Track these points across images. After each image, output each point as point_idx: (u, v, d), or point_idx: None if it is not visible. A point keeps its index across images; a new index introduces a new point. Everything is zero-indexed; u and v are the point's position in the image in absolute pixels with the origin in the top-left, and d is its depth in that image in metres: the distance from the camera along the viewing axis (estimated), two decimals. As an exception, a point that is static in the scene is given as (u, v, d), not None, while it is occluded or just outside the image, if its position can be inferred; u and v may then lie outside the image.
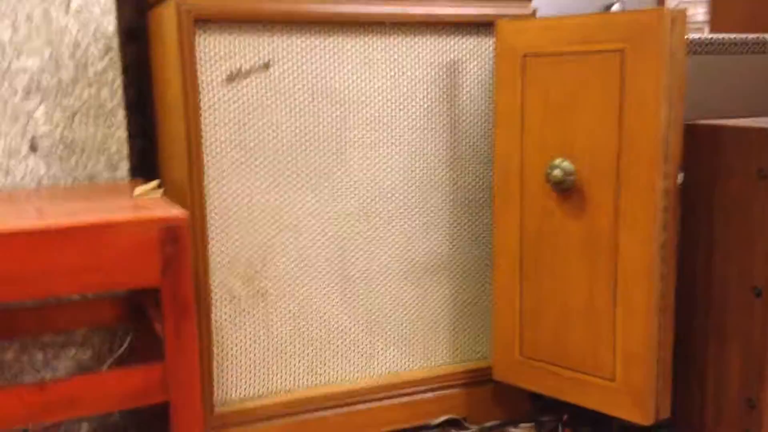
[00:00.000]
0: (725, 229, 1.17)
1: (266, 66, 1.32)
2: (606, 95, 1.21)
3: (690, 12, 2.39)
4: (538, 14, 1.42)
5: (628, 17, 1.17)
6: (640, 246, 1.20)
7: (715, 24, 1.97)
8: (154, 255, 1.02)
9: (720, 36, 1.56)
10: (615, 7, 1.77)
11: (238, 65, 1.30)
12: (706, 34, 1.56)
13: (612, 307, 1.25)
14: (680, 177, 1.20)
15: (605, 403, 1.28)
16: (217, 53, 1.28)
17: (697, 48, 1.54)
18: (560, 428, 1.49)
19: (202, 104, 1.28)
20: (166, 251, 1.02)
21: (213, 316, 1.33)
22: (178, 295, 1.04)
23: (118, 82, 1.48)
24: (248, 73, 1.31)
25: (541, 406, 1.56)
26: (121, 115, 1.48)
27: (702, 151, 1.20)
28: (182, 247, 1.03)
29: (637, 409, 1.23)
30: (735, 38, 1.56)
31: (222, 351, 1.35)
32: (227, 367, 1.36)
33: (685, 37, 1.51)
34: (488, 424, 1.51)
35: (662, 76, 1.14)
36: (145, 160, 1.69)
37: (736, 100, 1.58)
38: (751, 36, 1.57)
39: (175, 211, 1.05)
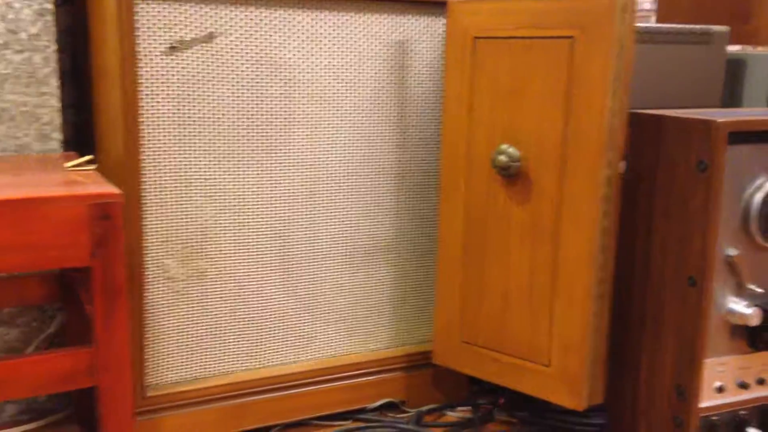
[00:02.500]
0: (664, 219, 1.18)
1: (210, 37, 1.27)
2: (554, 82, 1.20)
3: (638, 0, 2.42)
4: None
5: (579, 4, 1.16)
6: (581, 233, 1.20)
7: (662, 13, 1.99)
8: (84, 233, 0.97)
9: (666, 26, 1.57)
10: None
11: (180, 35, 1.25)
12: (651, 24, 1.57)
13: (550, 293, 1.25)
14: (622, 165, 1.21)
15: (540, 388, 1.29)
16: (159, 21, 1.23)
17: (644, 37, 1.55)
18: (495, 411, 1.50)
19: (140, 75, 1.22)
20: (96, 230, 0.97)
21: (147, 296, 1.29)
22: (108, 277, 1.00)
23: (53, 47, 1.40)
24: (191, 44, 1.26)
25: (478, 389, 1.57)
26: (54, 83, 1.41)
27: (645, 140, 1.21)
28: (114, 225, 0.99)
29: (570, 395, 1.25)
30: (681, 28, 1.58)
31: (156, 332, 1.31)
32: (161, 349, 1.32)
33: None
34: (426, 407, 1.52)
35: (610, 64, 1.14)
36: (81, 132, 1.62)
37: (682, 90, 1.60)
38: (696, 26, 1.59)
39: (108, 188, 1.01)
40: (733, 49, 1.71)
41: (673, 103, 1.58)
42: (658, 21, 2.05)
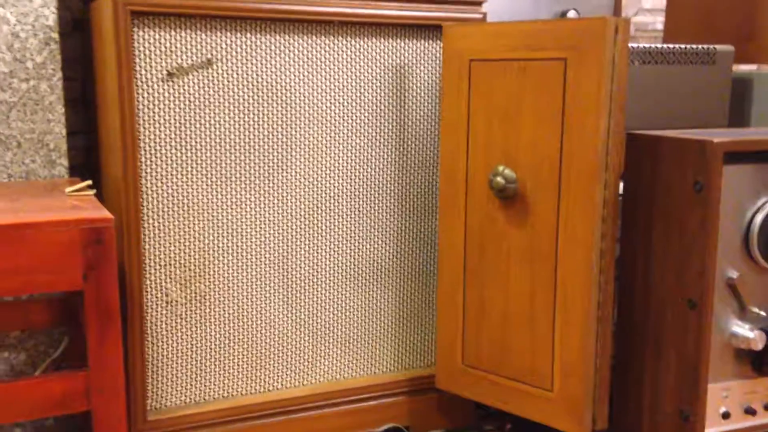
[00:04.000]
0: (663, 241, 1.16)
1: (209, 63, 1.29)
2: (548, 103, 1.20)
3: (649, 20, 2.41)
4: (492, 18, 1.41)
5: (572, 25, 1.16)
6: (579, 255, 1.19)
7: (668, 33, 1.98)
8: (76, 257, 0.98)
9: (671, 46, 1.56)
10: (570, 14, 1.76)
11: (179, 61, 1.26)
12: (656, 44, 1.56)
13: (551, 317, 1.24)
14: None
15: (543, 413, 1.27)
16: (157, 48, 1.25)
17: (648, 57, 1.54)
18: (503, 437, 1.48)
19: (140, 100, 1.24)
20: (88, 254, 0.98)
21: (148, 320, 1.29)
22: (101, 300, 1.00)
23: (58, 75, 1.43)
24: (190, 69, 1.28)
25: (484, 414, 1.54)
26: (60, 110, 1.44)
27: (643, 161, 1.19)
28: (107, 249, 1.00)
29: (573, 421, 1.22)
30: (686, 48, 1.57)
31: (157, 356, 1.31)
32: (162, 373, 1.32)
33: (636, 45, 1.51)
34: (431, 432, 1.50)
35: (603, 85, 1.13)
36: (90, 157, 1.64)
37: (688, 111, 1.58)
38: (701, 46, 1.57)
39: (101, 212, 1.02)
40: (739, 68, 1.69)
41: (678, 123, 1.56)
42: (663, 41, 2.04)
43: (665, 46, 1.55)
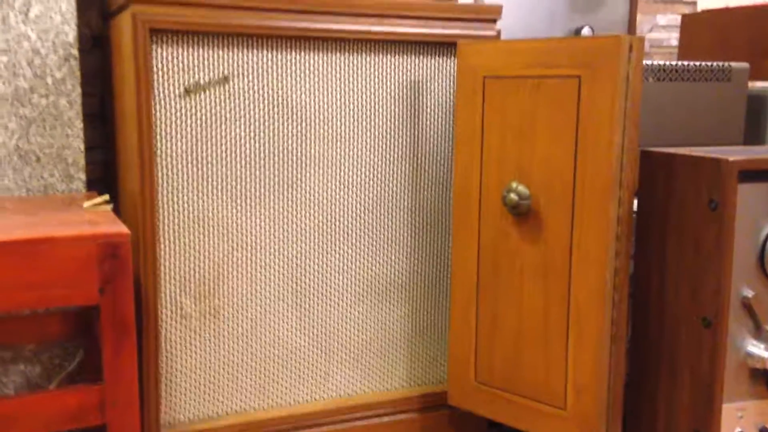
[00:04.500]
0: (677, 259, 1.16)
1: (225, 80, 1.30)
2: (562, 120, 1.20)
3: (664, 36, 2.40)
4: (507, 35, 1.42)
5: (586, 43, 1.16)
6: (592, 273, 1.18)
7: (683, 49, 1.97)
8: (92, 272, 0.99)
9: (686, 63, 1.55)
10: (584, 31, 1.77)
11: (196, 78, 1.28)
12: (671, 61, 1.56)
13: (565, 334, 1.23)
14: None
15: (556, 431, 1.26)
16: (175, 65, 1.26)
17: (663, 75, 1.54)
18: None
19: (157, 116, 1.26)
20: (104, 268, 0.99)
21: (162, 334, 1.30)
22: (117, 315, 1.01)
23: (77, 91, 1.45)
24: (207, 86, 1.29)
25: (497, 431, 1.54)
26: (78, 125, 1.46)
27: (657, 178, 1.19)
28: (122, 264, 1.01)
29: (587, 440, 1.21)
30: (701, 65, 1.56)
31: (171, 371, 1.32)
32: (176, 387, 1.33)
33: (651, 62, 1.51)
34: (443, 449, 1.49)
35: (617, 102, 1.13)
36: (107, 171, 1.66)
37: (703, 127, 1.58)
38: (716, 63, 1.57)
39: (117, 227, 1.03)
40: (755, 85, 1.69)
41: (694, 140, 1.56)
42: (678, 57, 2.04)
43: (680, 63, 1.55)
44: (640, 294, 1.24)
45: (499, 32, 1.43)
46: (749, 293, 1.12)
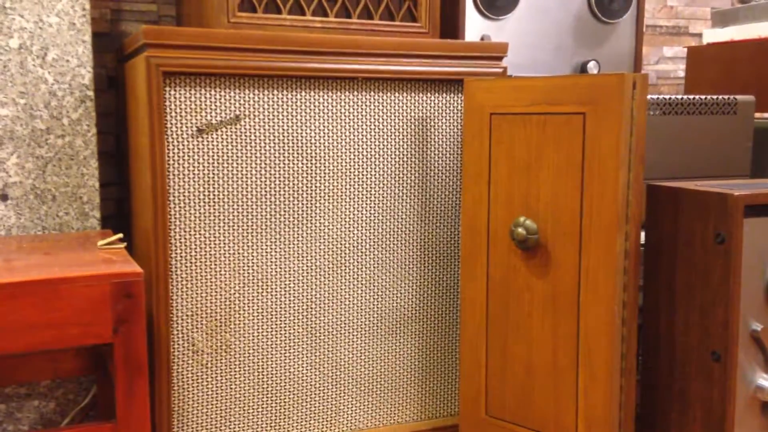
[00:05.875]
0: (686, 292, 1.16)
1: (237, 119, 1.33)
2: (568, 156, 1.21)
3: (670, 68, 2.42)
4: (513, 69, 1.44)
5: (590, 81, 1.18)
6: (601, 307, 1.19)
7: (689, 82, 1.99)
8: (106, 311, 1.01)
9: (692, 97, 1.57)
10: (591, 65, 1.79)
11: (208, 118, 1.31)
12: (677, 95, 1.58)
13: (575, 368, 1.23)
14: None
15: (569, 467, 1.26)
16: (188, 106, 1.29)
17: (669, 108, 1.55)
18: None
19: (170, 155, 1.28)
20: (118, 308, 1.01)
21: (174, 368, 1.31)
22: (130, 354, 1.03)
23: (93, 131, 1.48)
24: (219, 125, 1.32)
25: (510, 466, 1.53)
26: (94, 164, 1.49)
27: (664, 212, 1.20)
28: (136, 303, 1.03)
29: (599, 475, 1.21)
30: (707, 99, 1.58)
31: (183, 405, 1.33)
32: (188, 422, 1.34)
33: (656, 96, 1.53)
34: (455, 484, 1.48)
35: (622, 138, 1.15)
36: (121, 207, 1.69)
37: (709, 161, 1.59)
38: (722, 96, 1.59)
39: (131, 266, 1.05)
40: (762, 117, 1.70)
41: (701, 172, 1.57)
42: (685, 89, 2.05)
43: (686, 96, 1.57)
44: (650, 327, 1.24)
45: (505, 69, 1.45)
46: (758, 327, 1.12)
